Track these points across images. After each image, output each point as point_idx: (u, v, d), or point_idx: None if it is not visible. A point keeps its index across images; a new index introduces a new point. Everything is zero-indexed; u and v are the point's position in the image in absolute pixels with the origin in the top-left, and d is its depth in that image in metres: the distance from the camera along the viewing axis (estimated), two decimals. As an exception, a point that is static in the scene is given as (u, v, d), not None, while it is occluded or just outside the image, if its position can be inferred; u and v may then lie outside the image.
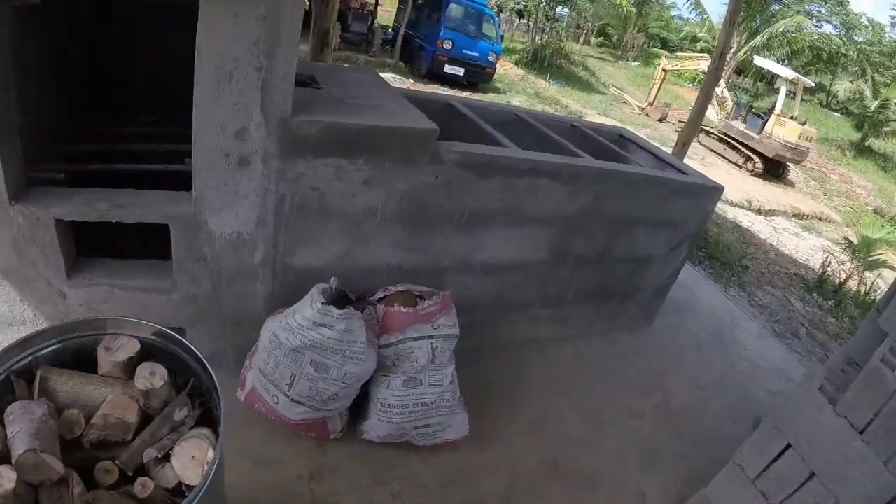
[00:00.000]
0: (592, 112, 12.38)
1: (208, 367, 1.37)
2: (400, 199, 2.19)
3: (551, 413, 2.57)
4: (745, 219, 8.52)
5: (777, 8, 16.66)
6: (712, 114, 12.12)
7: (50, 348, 1.38)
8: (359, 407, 2.16)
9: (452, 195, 2.26)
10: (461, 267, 2.48)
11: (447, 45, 11.01)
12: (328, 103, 2.14)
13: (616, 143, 3.43)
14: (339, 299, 2.24)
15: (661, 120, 13.80)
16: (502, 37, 13.23)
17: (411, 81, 10.83)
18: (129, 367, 1.37)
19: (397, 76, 10.85)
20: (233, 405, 2.09)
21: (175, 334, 1.43)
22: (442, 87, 10.69)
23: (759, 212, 9.57)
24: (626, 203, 2.74)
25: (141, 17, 2.57)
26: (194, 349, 1.40)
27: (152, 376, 1.34)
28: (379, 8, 13.54)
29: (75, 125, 2.35)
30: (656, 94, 13.94)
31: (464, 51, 11.20)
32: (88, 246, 2.03)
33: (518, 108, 3.41)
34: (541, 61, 15.09)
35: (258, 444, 2.07)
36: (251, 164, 1.93)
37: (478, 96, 10.63)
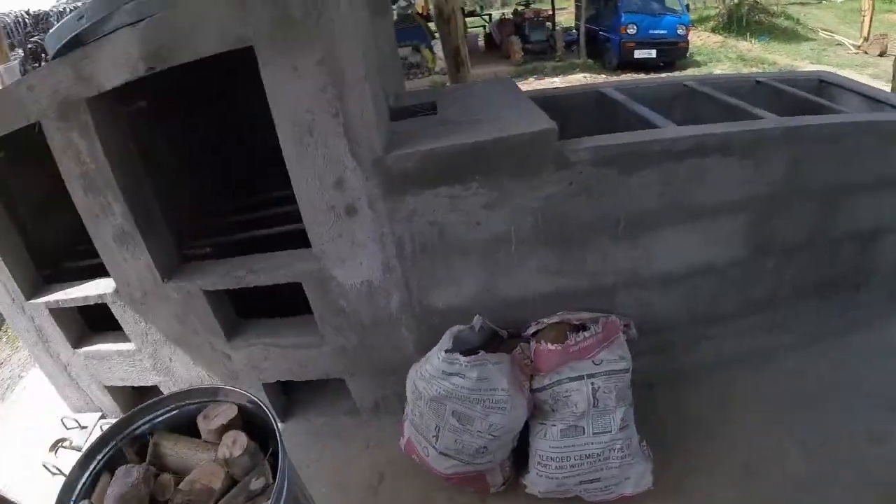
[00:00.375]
0: (804, 63, 10.29)
1: (278, 431, 1.28)
2: (533, 218, 1.84)
3: (767, 449, 1.96)
4: None
5: None
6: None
7: (168, 414, 1.47)
8: (525, 455, 1.92)
9: (596, 201, 1.83)
10: (631, 282, 2.01)
11: (631, 30, 9.99)
12: (433, 129, 1.90)
13: (814, 92, 2.49)
14: (489, 339, 2.02)
15: (881, 55, 10.85)
16: (688, 6, 11.69)
17: (603, 77, 10.10)
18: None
19: (588, 74, 10.18)
20: (398, 454, 2.06)
21: (258, 401, 1.36)
22: (637, 74, 9.77)
23: None
24: (833, 164, 1.92)
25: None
26: (271, 416, 1.32)
27: (233, 444, 1.33)
28: (560, 11, 12.98)
29: (215, 200, 2.53)
30: (869, 28, 10.95)
31: (650, 31, 10.01)
32: (249, 307, 2.16)
33: (688, 78, 2.70)
34: (738, 21, 13.10)
35: (418, 496, 1.97)
36: (359, 212, 1.81)
37: (676, 74, 9.50)
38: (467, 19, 12.84)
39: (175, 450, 1.41)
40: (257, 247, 2.10)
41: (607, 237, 1.90)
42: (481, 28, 13.53)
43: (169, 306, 2.01)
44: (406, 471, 2.02)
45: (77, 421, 2.49)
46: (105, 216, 1.81)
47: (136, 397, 2.46)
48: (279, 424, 1.43)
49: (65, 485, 1.28)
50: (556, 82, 9.43)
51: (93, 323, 2.30)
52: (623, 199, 1.83)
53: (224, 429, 1.40)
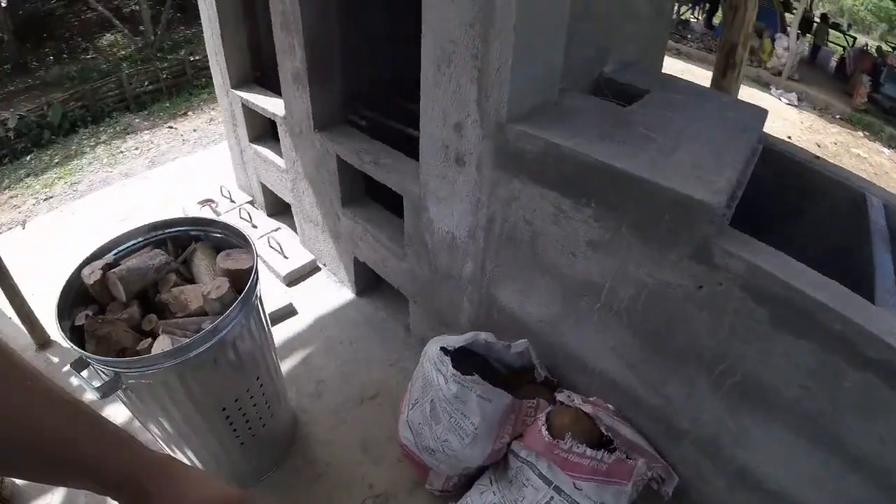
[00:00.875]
0: None
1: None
2: (636, 292, 1.39)
3: None
4: None
5: None
6: None
7: (217, 235, 1.68)
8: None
9: (721, 328, 1.27)
10: (707, 449, 1.44)
11: None
12: (595, 121, 1.48)
13: None
14: (521, 369, 1.75)
15: None
16: None
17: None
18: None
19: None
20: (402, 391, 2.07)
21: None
22: None
23: None
24: None
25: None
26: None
27: (217, 288, 1.47)
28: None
29: (387, 80, 2.46)
30: None
31: None
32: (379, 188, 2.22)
33: None
34: None
35: (384, 430, 1.98)
36: (466, 165, 1.60)
37: None
38: (832, 31, 9.83)
39: (199, 264, 1.63)
40: (403, 144, 2.07)
41: (706, 376, 1.35)
42: (841, 48, 9.78)
43: (313, 152, 2.18)
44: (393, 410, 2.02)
45: (230, 194, 3.05)
46: (289, 54, 1.95)
47: (277, 205, 2.87)
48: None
49: (116, 238, 1.60)
50: (859, 154, 6.49)
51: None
52: (758, 350, 1.24)
53: (229, 273, 1.54)
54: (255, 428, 1.65)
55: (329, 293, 2.55)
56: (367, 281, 2.47)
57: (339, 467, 1.91)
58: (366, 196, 2.29)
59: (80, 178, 5.52)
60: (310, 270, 2.62)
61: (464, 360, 1.79)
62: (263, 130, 2.74)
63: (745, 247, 1.20)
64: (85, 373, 1.26)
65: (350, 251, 2.35)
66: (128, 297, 1.44)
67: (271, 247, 2.62)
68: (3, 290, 2.15)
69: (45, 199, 5.15)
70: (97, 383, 1.27)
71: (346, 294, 2.54)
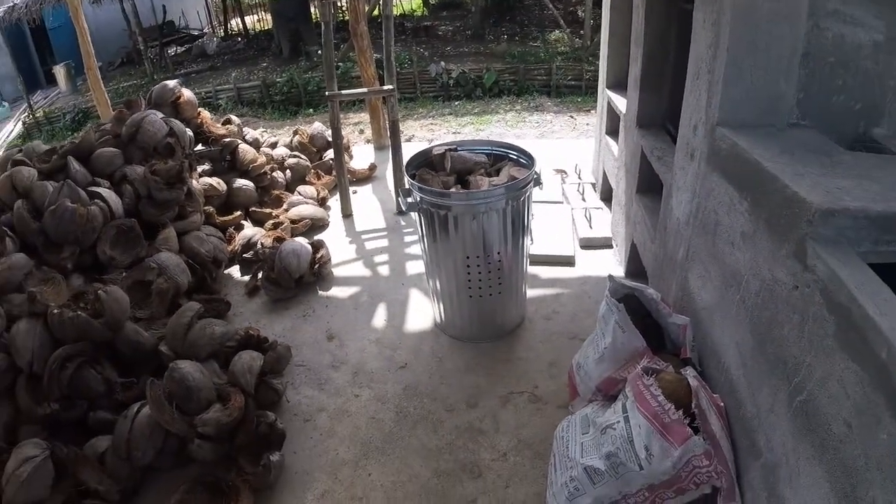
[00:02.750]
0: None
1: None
2: (759, 286, 1.53)
3: None
4: None
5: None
6: None
7: (522, 161, 2.56)
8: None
9: (802, 335, 1.34)
10: (768, 479, 1.40)
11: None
12: (786, 144, 1.62)
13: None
14: (679, 344, 1.98)
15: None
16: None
17: None
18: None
19: None
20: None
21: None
22: None
23: None
24: None
25: None
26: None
27: (499, 180, 2.37)
28: None
29: None
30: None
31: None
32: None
33: None
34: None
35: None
36: (694, 160, 1.97)
37: None
38: None
39: (503, 172, 2.56)
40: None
41: (786, 391, 1.40)
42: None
43: (632, 145, 2.78)
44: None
45: (580, 173, 3.77)
46: (635, 62, 2.60)
47: (608, 191, 3.45)
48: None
49: (464, 140, 2.69)
50: None
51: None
52: (819, 368, 1.29)
53: (512, 178, 2.42)
54: (483, 291, 2.49)
55: (605, 265, 3.11)
56: (636, 265, 2.90)
57: (526, 366, 2.55)
58: (657, 191, 2.73)
59: (484, 128, 7.20)
60: (603, 245, 3.23)
61: (648, 325, 2.14)
62: (614, 127, 3.44)
63: (835, 253, 1.28)
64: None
65: (631, 234, 2.85)
66: (451, 171, 2.49)
67: (584, 217, 3.34)
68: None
69: (454, 133, 7.00)
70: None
71: (618, 271, 3.04)
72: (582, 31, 10.52)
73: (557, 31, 11.67)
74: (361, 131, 7.33)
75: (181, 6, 16.95)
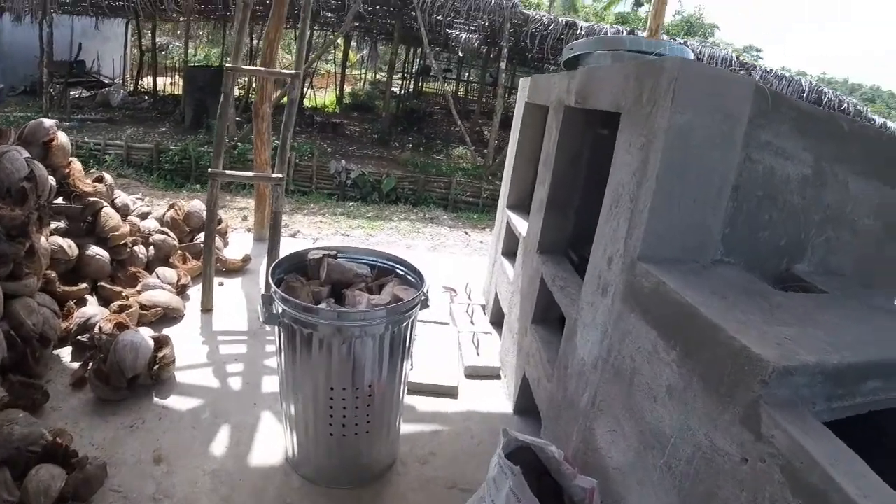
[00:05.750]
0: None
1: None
2: (692, 452, 1.29)
3: None
4: None
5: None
6: None
7: (411, 278, 2.21)
8: None
9: None
10: None
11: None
12: (715, 283, 1.50)
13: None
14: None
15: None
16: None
17: None
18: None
19: None
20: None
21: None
22: None
23: None
24: None
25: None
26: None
27: (381, 299, 1.97)
28: None
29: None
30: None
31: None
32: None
33: None
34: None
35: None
36: (607, 296, 1.79)
37: None
38: None
39: (386, 290, 2.20)
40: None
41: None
42: None
43: (531, 270, 2.62)
44: None
45: (470, 293, 3.56)
46: (542, 185, 2.51)
47: (499, 315, 3.25)
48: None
49: (348, 247, 2.34)
50: None
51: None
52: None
53: (397, 298, 2.06)
54: (348, 428, 2.01)
55: (492, 399, 2.78)
56: (527, 402, 2.61)
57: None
58: (555, 322, 2.54)
59: (376, 234, 7.02)
60: (491, 375, 2.93)
61: (544, 486, 1.80)
62: (512, 248, 3.32)
63: (796, 421, 1.06)
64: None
65: (523, 367, 2.59)
66: (325, 280, 2.10)
67: (472, 342, 3.06)
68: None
69: (342, 235, 6.73)
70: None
71: (505, 406, 2.73)
72: (486, 150, 11.12)
73: (462, 148, 12.28)
74: (245, 218, 6.80)
75: (98, 49, 16.15)
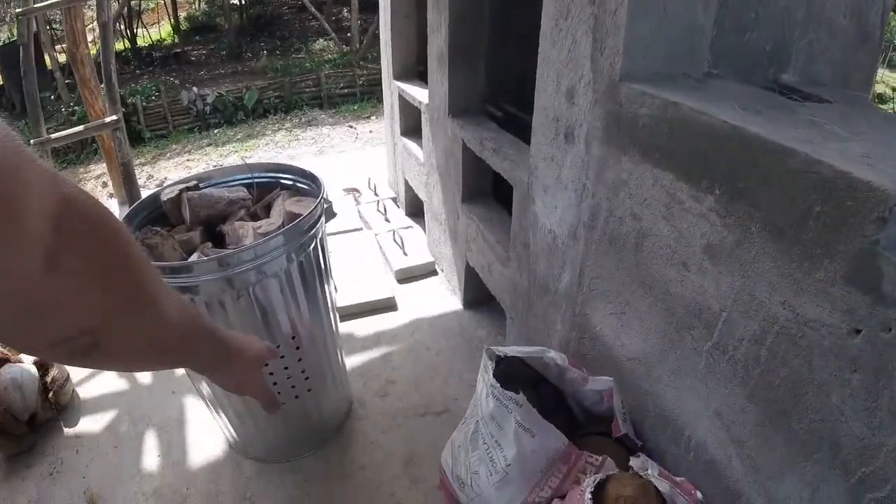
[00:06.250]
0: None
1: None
2: (761, 330, 0.93)
3: None
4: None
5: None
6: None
7: (303, 186, 1.63)
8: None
9: (878, 408, 0.76)
10: None
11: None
12: (730, 95, 1.09)
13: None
14: (605, 417, 1.33)
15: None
16: None
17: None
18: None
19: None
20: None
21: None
22: None
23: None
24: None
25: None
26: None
27: (270, 225, 1.46)
28: None
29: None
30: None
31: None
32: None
33: None
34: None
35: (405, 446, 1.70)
36: (575, 142, 1.33)
37: None
38: None
39: (276, 209, 1.59)
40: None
41: (841, 483, 0.81)
42: None
43: (445, 140, 2.09)
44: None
45: (376, 188, 3.07)
46: (436, 32, 1.91)
47: (415, 205, 2.79)
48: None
49: (211, 171, 1.66)
50: None
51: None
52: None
53: (292, 216, 1.47)
54: (284, 395, 1.53)
55: (435, 298, 2.38)
56: (476, 292, 2.24)
57: (374, 474, 1.68)
58: (490, 195, 2.10)
59: (252, 154, 6.31)
60: (426, 272, 2.50)
61: (542, 395, 1.46)
62: (414, 124, 2.75)
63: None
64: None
65: (463, 255, 2.16)
66: (193, 220, 1.46)
67: (395, 241, 2.57)
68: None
69: (216, 166, 5.99)
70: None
71: (453, 303, 2.34)
72: (349, 34, 9.94)
73: (322, 40, 11.00)
74: (104, 184, 5.71)
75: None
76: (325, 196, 1.46)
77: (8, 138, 0.32)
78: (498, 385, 1.20)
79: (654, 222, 1.13)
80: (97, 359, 0.45)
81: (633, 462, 1.16)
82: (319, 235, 1.47)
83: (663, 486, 1.05)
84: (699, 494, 1.08)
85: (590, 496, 1.04)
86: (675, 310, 1.12)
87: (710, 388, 1.05)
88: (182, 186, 1.51)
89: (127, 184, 2.91)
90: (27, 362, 1.95)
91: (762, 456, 0.96)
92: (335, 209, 1.52)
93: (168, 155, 6.90)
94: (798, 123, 0.96)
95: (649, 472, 1.11)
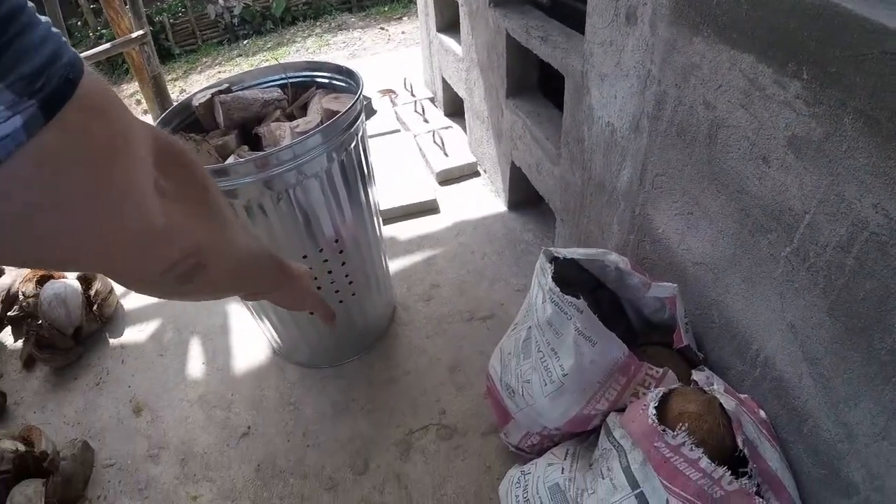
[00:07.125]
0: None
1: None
2: (849, 235, 0.82)
3: None
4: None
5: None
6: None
7: (341, 83, 1.53)
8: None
9: None
10: None
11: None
12: None
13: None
14: (666, 325, 1.27)
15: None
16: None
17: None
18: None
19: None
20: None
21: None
22: None
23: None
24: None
25: None
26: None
27: (308, 123, 1.38)
28: None
29: None
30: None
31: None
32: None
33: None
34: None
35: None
36: (637, 23, 1.16)
37: None
38: None
39: (314, 108, 1.49)
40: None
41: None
42: None
43: (486, 33, 1.90)
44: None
45: (412, 88, 2.89)
46: None
47: (454, 104, 2.62)
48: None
49: (244, 73, 1.56)
50: None
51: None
52: None
53: (330, 113, 1.39)
54: (328, 297, 1.52)
55: (479, 199, 2.30)
56: (522, 193, 2.14)
57: (418, 380, 1.71)
58: (537, 89, 1.93)
59: (283, 61, 6.12)
60: (468, 174, 2.40)
61: (599, 301, 1.40)
62: (451, 19, 2.53)
63: None
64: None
65: (508, 154, 2.04)
66: (227, 124, 1.39)
67: (435, 142, 2.45)
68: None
69: None
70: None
71: (497, 205, 2.26)
72: None
73: None
74: (138, 101, 5.61)
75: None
76: (363, 92, 1.35)
77: (107, 83, 0.34)
78: (558, 290, 1.15)
79: (730, 111, 0.99)
80: (198, 283, 0.48)
81: (697, 376, 1.11)
82: (360, 133, 1.38)
83: (729, 403, 1.00)
84: (763, 413, 1.04)
85: (654, 411, 1.00)
86: (751, 210, 1.00)
87: (785, 298, 0.96)
88: (214, 90, 1.42)
89: (159, 97, 2.87)
90: (70, 277, 2.02)
91: (837, 376, 0.89)
92: (375, 109, 1.42)
93: (199, 69, 6.78)
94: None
95: (714, 387, 1.06)
